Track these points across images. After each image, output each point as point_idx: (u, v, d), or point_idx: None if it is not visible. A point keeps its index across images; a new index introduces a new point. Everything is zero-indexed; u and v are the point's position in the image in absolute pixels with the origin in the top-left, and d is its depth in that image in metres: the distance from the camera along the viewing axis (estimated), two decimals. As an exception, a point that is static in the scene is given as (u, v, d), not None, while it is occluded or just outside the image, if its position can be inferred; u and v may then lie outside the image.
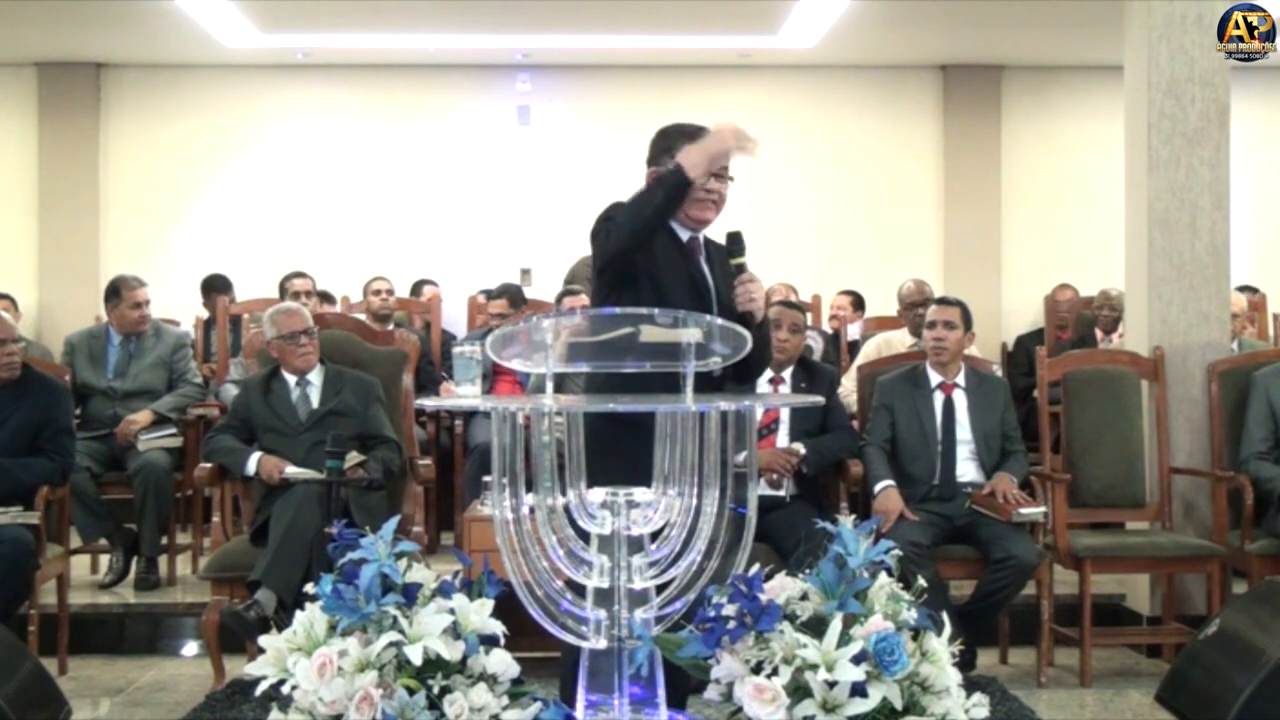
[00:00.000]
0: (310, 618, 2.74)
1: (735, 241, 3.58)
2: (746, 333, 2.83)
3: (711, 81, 9.71)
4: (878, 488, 5.15)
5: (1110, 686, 5.10)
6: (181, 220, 9.73)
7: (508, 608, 2.82)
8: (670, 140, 3.59)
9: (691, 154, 3.40)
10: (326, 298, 8.13)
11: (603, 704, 2.83)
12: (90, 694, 5.02)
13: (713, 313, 3.46)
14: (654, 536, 2.89)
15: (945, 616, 2.83)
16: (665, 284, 3.50)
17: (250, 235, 9.62)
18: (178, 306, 8.79)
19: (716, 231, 3.68)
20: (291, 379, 5.22)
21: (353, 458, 4.83)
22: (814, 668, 2.61)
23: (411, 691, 2.64)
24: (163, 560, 6.15)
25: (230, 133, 9.72)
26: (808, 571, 2.81)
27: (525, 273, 9.53)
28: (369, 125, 9.76)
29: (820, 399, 4.25)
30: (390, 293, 8.01)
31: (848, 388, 6.17)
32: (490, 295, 7.58)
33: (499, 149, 9.79)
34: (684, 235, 3.61)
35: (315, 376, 5.23)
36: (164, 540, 6.12)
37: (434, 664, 2.67)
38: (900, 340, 6.85)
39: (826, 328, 8.24)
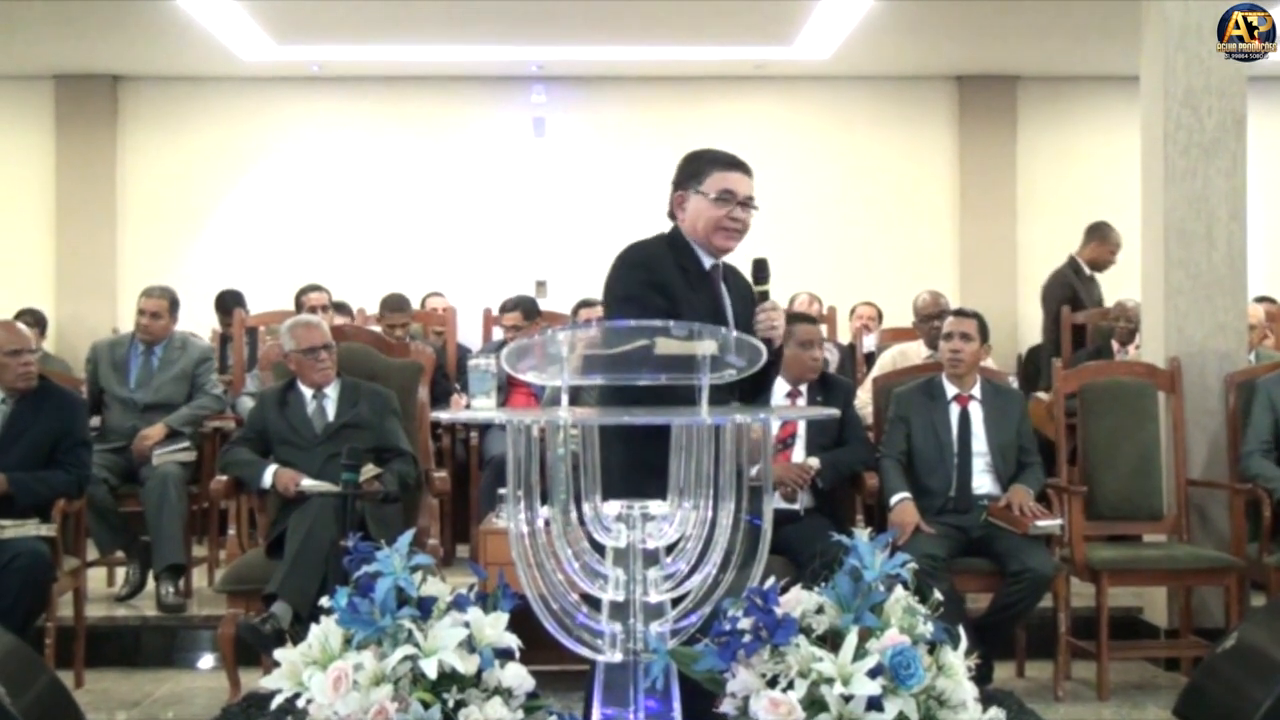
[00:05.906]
0: (325, 631, 2.74)
1: (761, 269, 3.57)
2: (761, 345, 2.83)
3: (726, 93, 9.72)
4: (893, 500, 5.14)
5: (1128, 700, 5.07)
6: (198, 232, 9.77)
7: (523, 621, 2.81)
8: (700, 165, 3.60)
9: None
10: (342, 309, 8.11)
11: (618, 718, 2.82)
12: (106, 707, 5.02)
13: None
14: (669, 549, 2.89)
15: (961, 630, 2.82)
16: (688, 311, 3.50)
17: (266, 247, 9.66)
18: (194, 319, 8.80)
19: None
20: (308, 391, 5.23)
21: (368, 470, 4.83)
22: (830, 681, 2.60)
23: (426, 705, 2.64)
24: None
25: (246, 144, 9.76)
26: (823, 585, 2.80)
27: (540, 285, 9.53)
28: (384, 137, 9.79)
29: (836, 412, 4.26)
30: (405, 326, 7.47)
31: (863, 400, 6.16)
32: (504, 308, 7.56)
33: (514, 161, 9.81)
34: (707, 263, 3.61)
35: (331, 389, 5.23)
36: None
37: (449, 678, 2.67)
38: (916, 352, 6.84)
39: (842, 340, 8.22)
